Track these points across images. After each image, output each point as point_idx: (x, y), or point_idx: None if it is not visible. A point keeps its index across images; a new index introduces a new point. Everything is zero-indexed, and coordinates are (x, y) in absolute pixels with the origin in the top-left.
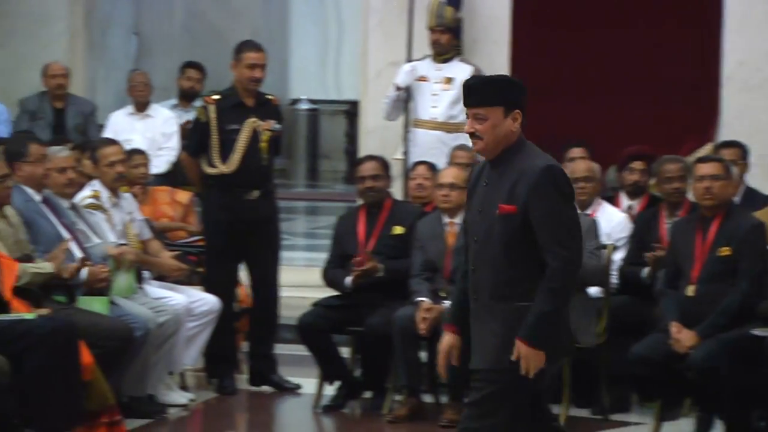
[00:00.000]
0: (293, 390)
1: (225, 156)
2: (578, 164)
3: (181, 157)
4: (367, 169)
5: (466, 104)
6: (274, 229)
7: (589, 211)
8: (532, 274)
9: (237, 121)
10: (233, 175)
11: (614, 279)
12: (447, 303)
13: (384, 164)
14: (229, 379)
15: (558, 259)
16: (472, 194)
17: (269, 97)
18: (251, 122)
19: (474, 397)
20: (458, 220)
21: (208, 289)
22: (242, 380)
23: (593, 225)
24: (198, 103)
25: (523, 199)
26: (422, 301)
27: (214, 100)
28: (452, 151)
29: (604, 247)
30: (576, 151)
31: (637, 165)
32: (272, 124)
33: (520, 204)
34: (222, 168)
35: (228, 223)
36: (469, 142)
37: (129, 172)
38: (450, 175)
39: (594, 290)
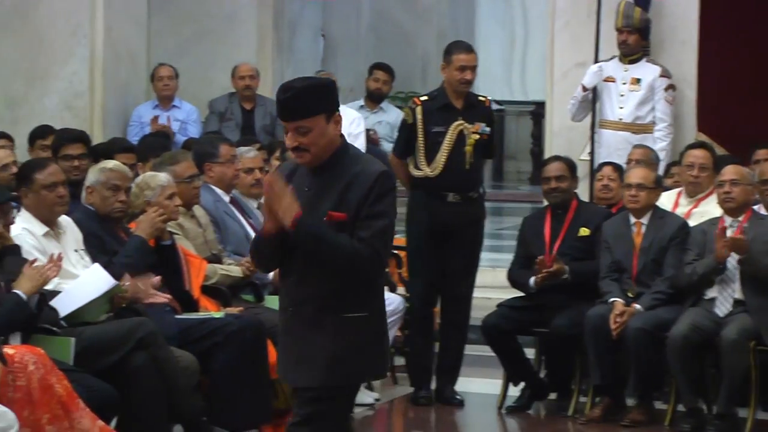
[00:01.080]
0: (460, 405)
1: (430, 158)
2: (767, 166)
3: (389, 158)
4: (553, 169)
5: (284, 119)
6: (474, 233)
7: None
8: (361, 282)
9: (443, 124)
10: (438, 178)
11: None
12: (636, 304)
13: (570, 165)
14: (426, 389)
15: (368, 250)
16: None
17: (481, 98)
18: (457, 125)
19: (302, 415)
20: (645, 220)
21: (409, 291)
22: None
23: None
24: (385, 103)
25: (354, 206)
26: (616, 301)
27: (422, 101)
28: (633, 148)
29: None
30: (762, 153)
31: None
32: (480, 127)
33: (351, 211)
34: (427, 171)
35: (430, 227)
36: (655, 144)
37: None
38: (638, 175)
39: None
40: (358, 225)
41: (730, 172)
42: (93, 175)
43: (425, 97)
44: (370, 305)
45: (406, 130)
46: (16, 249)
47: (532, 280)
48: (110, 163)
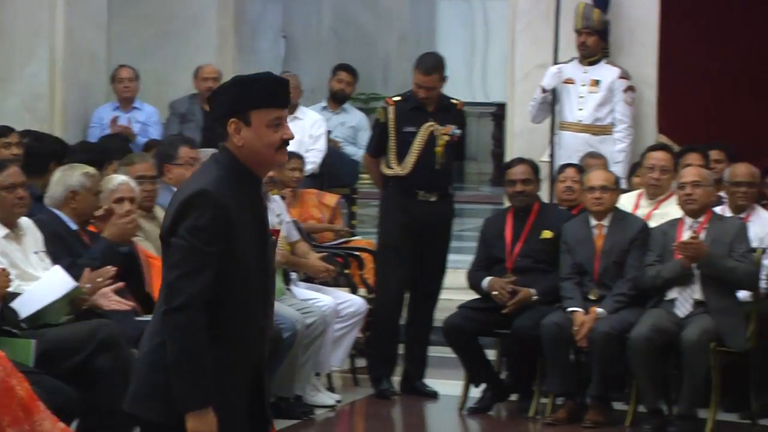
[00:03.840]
0: (432, 396)
1: (401, 158)
2: (740, 168)
3: (363, 157)
4: (518, 172)
5: (284, 105)
6: (445, 233)
7: (743, 215)
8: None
9: (414, 124)
10: (408, 177)
11: (764, 283)
12: (598, 308)
13: (534, 167)
14: (387, 381)
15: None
16: None
17: (454, 101)
18: (428, 126)
19: None
20: (606, 222)
21: (378, 288)
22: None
23: (743, 229)
24: (348, 105)
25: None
26: (575, 312)
27: (394, 101)
28: (584, 158)
29: (754, 251)
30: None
31: None
32: (451, 129)
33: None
34: (397, 170)
35: (402, 224)
36: (614, 145)
37: (282, 175)
38: (601, 177)
39: (743, 294)
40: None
41: (691, 173)
42: (76, 179)
43: (398, 98)
44: None
45: (379, 128)
46: None
47: (485, 282)
48: (91, 168)
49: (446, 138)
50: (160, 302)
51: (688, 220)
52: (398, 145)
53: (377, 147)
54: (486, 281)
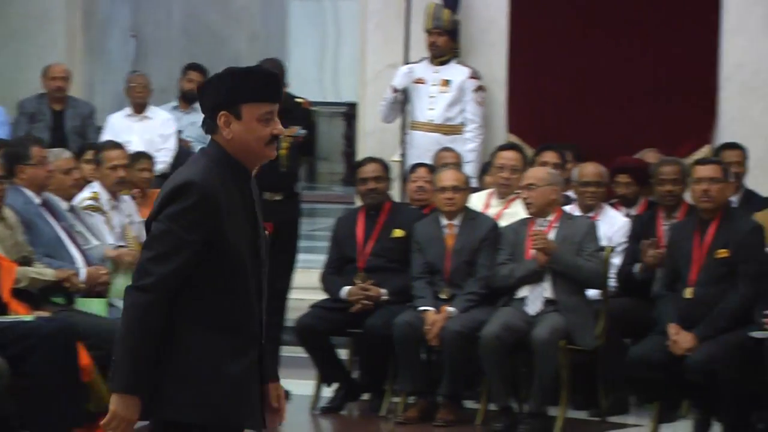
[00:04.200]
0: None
1: None
2: (587, 168)
3: None
4: (369, 171)
5: (276, 99)
6: (292, 230)
7: (591, 214)
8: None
9: None
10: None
11: (613, 282)
12: (449, 307)
13: (385, 166)
14: None
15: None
16: None
17: (299, 100)
18: None
19: None
20: (457, 222)
21: None
22: None
23: (592, 228)
24: (198, 105)
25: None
26: (427, 311)
27: None
28: (438, 152)
29: (603, 249)
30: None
31: (623, 178)
32: (296, 131)
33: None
34: None
35: None
36: (465, 145)
37: (132, 176)
38: (451, 177)
39: (593, 292)
40: None
41: (528, 176)
42: None
43: None
44: None
45: None
46: None
47: (344, 292)
48: None
49: (290, 139)
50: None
51: (539, 219)
52: None
53: None
54: (344, 291)
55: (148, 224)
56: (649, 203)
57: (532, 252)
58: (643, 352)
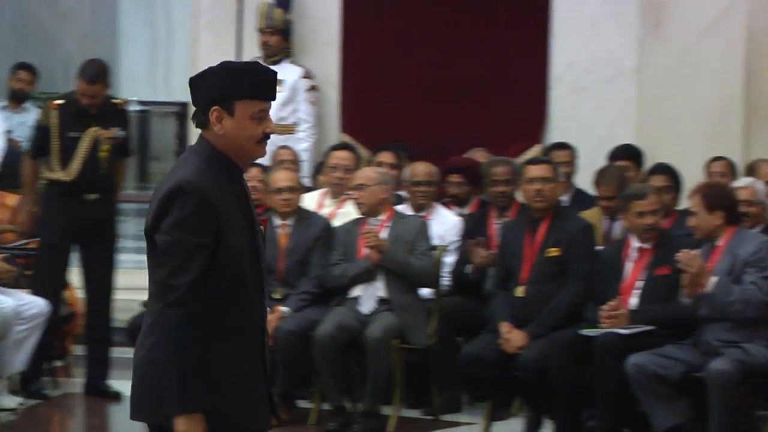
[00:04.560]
0: (115, 397)
1: (65, 162)
2: (418, 167)
3: (24, 157)
4: None
5: (272, 97)
6: (111, 231)
7: (423, 214)
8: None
9: (78, 129)
10: (72, 181)
11: (446, 280)
12: (282, 307)
13: None
14: (37, 383)
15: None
16: None
17: (116, 101)
18: (92, 131)
19: None
20: (290, 221)
21: (35, 289)
22: (75, 385)
23: (424, 227)
24: (28, 104)
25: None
26: None
27: (57, 104)
28: (275, 150)
29: (435, 248)
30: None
31: (454, 178)
32: (115, 132)
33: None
34: (60, 175)
35: (65, 224)
36: (298, 144)
37: None
38: (286, 178)
39: (425, 291)
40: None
41: (358, 176)
42: None
43: (61, 101)
44: None
45: (42, 131)
46: None
47: None
48: None
49: (110, 141)
50: (152, 302)
51: (371, 219)
52: (62, 149)
53: (39, 149)
54: None
55: (148, 234)
56: (481, 202)
57: (364, 251)
58: (475, 351)
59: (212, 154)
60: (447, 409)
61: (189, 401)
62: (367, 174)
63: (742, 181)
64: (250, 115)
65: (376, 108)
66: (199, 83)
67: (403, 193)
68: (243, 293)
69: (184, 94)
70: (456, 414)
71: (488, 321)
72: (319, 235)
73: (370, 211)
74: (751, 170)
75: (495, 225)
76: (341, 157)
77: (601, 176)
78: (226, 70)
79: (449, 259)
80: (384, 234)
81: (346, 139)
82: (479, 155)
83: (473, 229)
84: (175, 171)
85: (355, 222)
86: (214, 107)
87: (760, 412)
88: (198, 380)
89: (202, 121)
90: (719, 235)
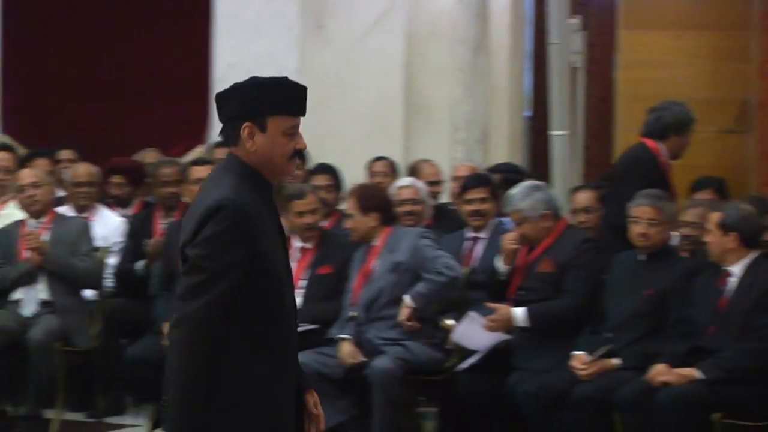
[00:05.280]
0: None
1: None
2: (79, 168)
3: None
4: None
5: (302, 112)
6: None
7: (85, 215)
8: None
9: None
10: None
11: (109, 281)
12: None
13: None
14: None
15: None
16: None
17: None
18: None
19: None
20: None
21: None
22: None
23: (86, 228)
24: None
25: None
26: None
27: None
28: None
29: (97, 249)
30: (66, 153)
31: (116, 179)
32: None
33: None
34: None
35: None
36: None
37: None
38: (30, 174)
39: (89, 293)
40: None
41: (27, 175)
42: None
43: None
44: None
45: None
46: None
47: None
48: None
49: None
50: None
51: (31, 221)
52: None
53: None
54: None
55: (182, 250)
56: (144, 203)
57: (25, 253)
58: (139, 352)
59: (245, 171)
60: (111, 412)
61: (193, 425)
62: (34, 173)
63: (404, 181)
64: (282, 131)
65: (39, 109)
66: (227, 98)
67: (63, 193)
68: (281, 311)
69: None
70: (120, 416)
71: (152, 322)
72: None
73: (44, 209)
74: (414, 171)
75: (161, 225)
76: (2, 157)
77: None
78: (256, 85)
79: (112, 260)
80: (45, 236)
81: (7, 140)
82: (150, 156)
83: (139, 229)
84: (209, 189)
85: (15, 224)
86: (245, 123)
87: (422, 408)
88: (202, 405)
89: (231, 138)
90: (375, 236)
